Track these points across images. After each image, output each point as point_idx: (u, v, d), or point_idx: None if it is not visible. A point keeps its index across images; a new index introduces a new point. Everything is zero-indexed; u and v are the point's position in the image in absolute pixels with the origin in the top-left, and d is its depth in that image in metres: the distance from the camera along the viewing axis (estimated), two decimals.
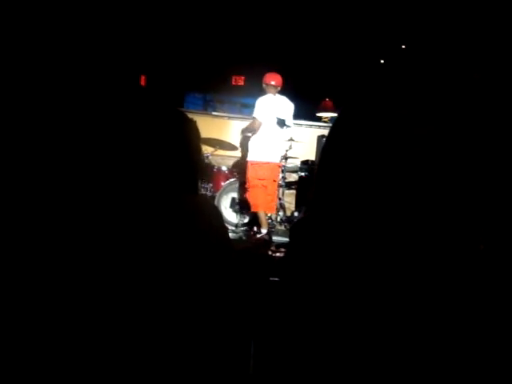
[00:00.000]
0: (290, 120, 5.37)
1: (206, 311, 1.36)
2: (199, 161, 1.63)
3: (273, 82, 5.39)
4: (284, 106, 5.39)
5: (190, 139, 1.54)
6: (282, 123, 5.21)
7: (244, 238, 5.08)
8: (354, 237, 1.24)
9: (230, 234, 5.05)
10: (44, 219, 1.37)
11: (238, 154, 6.06)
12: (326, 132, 6.51)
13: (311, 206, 1.38)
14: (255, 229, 5.22)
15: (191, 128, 1.58)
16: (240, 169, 5.61)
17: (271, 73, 5.55)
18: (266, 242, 4.27)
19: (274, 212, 5.31)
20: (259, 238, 4.94)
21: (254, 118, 5.12)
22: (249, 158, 5.13)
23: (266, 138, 5.10)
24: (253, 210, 5.08)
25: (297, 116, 8.32)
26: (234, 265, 1.43)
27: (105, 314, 1.30)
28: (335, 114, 7.53)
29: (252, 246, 4.42)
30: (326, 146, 1.37)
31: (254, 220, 5.25)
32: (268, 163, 5.10)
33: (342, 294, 1.20)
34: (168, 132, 1.51)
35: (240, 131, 5.19)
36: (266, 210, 5.12)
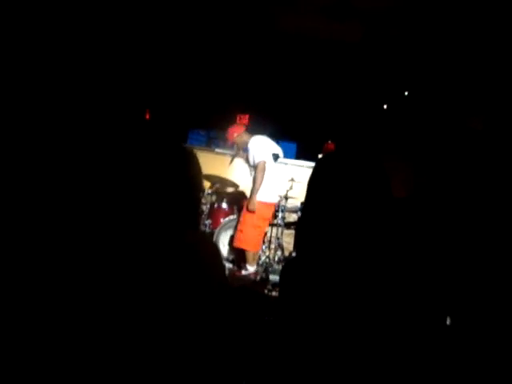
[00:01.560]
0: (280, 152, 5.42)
1: (199, 347, 1.33)
2: (200, 196, 1.62)
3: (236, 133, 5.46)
4: (271, 141, 5.45)
5: (191, 175, 1.54)
6: (276, 158, 5.25)
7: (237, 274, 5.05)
8: (337, 278, 1.24)
9: (226, 272, 5.01)
10: (53, 253, 1.36)
11: (238, 190, 6.06)
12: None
13: (297, 247, 1.38)
14: (242, 265, 5.20)
15: (193, 164, 1.58)
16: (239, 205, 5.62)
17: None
18: (263, 280, 4.23)
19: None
20: (247, 275, 4.93)
21: (259, 162, 5.09)
22: (258, 198, 5.10)
23: (271, 178, 5.11)
24: (244, 247, 5.06)
25: (298, 157, 8.39)
26: (229, 303, 1.40)
27: (102, 347, 1.27)
28: None
29: (249, 284, 4.38)
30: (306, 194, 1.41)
31: (240, 256, 5.26)
32: (274, 204, 5.16)
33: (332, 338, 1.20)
34: (170, 168, 1.51)
35: (257, 181, 5.12)
36: (257, 248, 5.12)
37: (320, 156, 7.54)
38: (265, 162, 5.06)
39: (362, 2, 5.86)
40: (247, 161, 5.31)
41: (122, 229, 1.43)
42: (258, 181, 5.06)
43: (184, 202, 1.49)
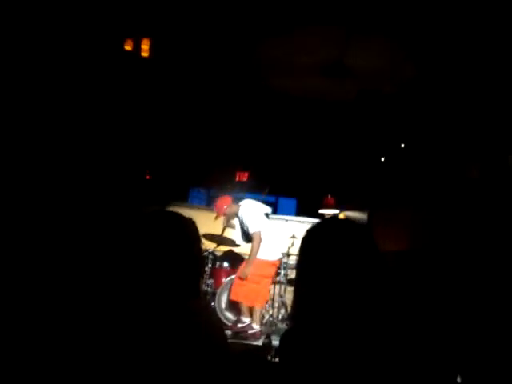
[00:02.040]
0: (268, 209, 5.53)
1: None
2: (202, 263, 1.63)
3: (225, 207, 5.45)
4: (257, 202, 5.59)
5: (191, 243, 1.55)
6: (267, 216, 5.38)
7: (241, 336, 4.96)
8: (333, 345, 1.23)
9: (229, 333, 4.93)
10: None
11: (239, 250, 6.04)
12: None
13: (293, 316, 1.37)
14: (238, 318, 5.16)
15: (192, 232, 1.59)
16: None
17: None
18: (265, 345, 4.16)
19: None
20: (251, 337, 4.89)
21: (255, 232, 5.17)
22: (259, 256, 5.12)
23: (269, 236, 5.14)
24: (238, 300, 5.04)
25: (298, 213, 8.42)
26: (229, 370, 1.39)
27: None
28: (337, 211, 7.59)
29: (252, 350, 4.30)
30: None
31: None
32: (275, 262, 5.20)
33: None
34: (170, 238, 1.52)
35: (253, 251, 5.16)
36: (252, 302, 5.08)
37: (320, 211, 7.57)
38: (260, 232, 5.13)
39: (355, 62, 6.02)
40: (240, 225, 5.41)
41: (127, 300, 1.44)
42: (254, 251, 5.12)
43: (186, 269, 1.49)
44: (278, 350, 1.32)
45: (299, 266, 1.40)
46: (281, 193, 8.91)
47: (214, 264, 5.59)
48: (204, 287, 5.36)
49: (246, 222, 5.20)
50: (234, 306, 5.27)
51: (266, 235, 5.10)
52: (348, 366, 1.22)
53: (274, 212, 8.93)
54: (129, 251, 1.48)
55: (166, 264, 1.46)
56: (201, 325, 1.42)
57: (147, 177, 7.52)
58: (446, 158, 5.85)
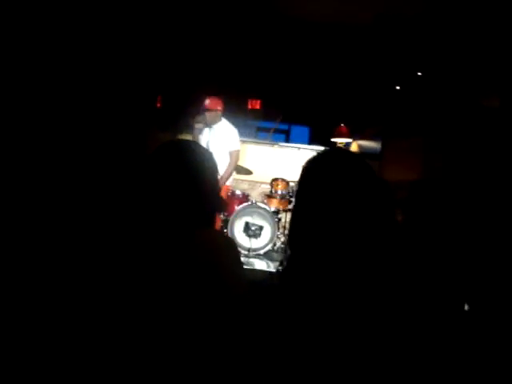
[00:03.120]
0: None
1: (213, 344, 1.36)
2: (211, 192, 1.61)
3: (219, 108, 5.43)
4: None
5: (197, 172, 1.54)
6: None
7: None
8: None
9: (243, 259, 5.05)
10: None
11: (252, 178, 6.07)
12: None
13: (292, 253, 1.38)
14: None
15: (201, 159, 1.57)
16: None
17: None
18: (279, 273, 4.25)
19: None
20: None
21: (235, 150, 5.38)
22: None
23: None
24: None
25: (311, 141, 8.36)
26: (244, 301, 1.42)
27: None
28: (350, 140, 7.53)
29: (263, 277, 4.40)
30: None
31: None
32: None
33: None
34: (172, 167, 1.51)
35: (231, 168, 5.36)
36: None
37: (333, 140, 7.52)
38: (239, 151, 5.39)
39: None
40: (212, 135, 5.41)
41: (127, 229, 1.46)
42: (231, 168, 5.39)
43: (188, 200, 1.48)
44: (278, 288, 1.33)
45: (297, 195, 1.38)
46: (294, 121, 8.82)
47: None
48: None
49: (230, 137, 5.35)
50: (247, 233, 5.38)
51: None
52: (350, 302, 1.22)
53: (287, 140, 8.90)
54: (136, 181, 1.49)
55: (173, 192, 1.46)
56: (211, 252, 1.43)
57: (158, 104, 7.46)
58: (464, 87, 5.71)
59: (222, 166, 5.19)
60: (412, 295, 1.33)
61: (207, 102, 5.32)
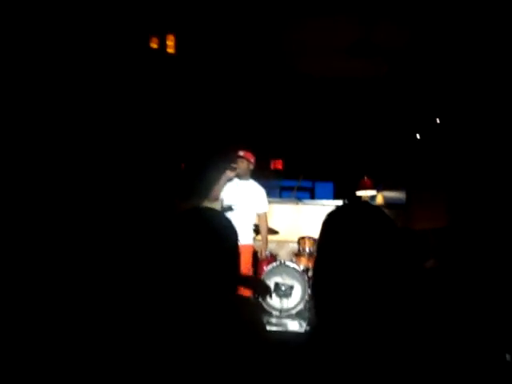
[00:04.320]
0: None
1: None
2: (232, 260, 1.63)
3: (252, 160, 5.33)
4: None
5: (222, 240, 1.56)
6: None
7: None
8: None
9: (274, 320, 4.98)
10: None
11: (279, 237, 6.06)
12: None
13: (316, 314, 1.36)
14: None
15: (223, 227, 1.60)
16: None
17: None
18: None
19: None
20: None
21: (266, 212, 5.39)
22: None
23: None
24: None
25: (336, 196, 8.37)
26: (267, 365, 1.40)
27: None
28: (374, 192, 7.51)
29: (291, 338, 4.31)
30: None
31: None
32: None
33: None
34: (195, 234, 1.54)
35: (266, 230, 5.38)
36: None
37: (358, 193, 7.51)
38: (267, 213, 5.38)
39: (383, 39, 5.93)
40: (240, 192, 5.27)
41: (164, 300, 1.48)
42: (265, 230, 5.41)
43: (219, 271, 1.51)
44: (304, 348, 1.31)
45: (318, 250, 1.37)
46: (317, 177, 8.88)
47: (255, 253, 5.62)
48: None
49: (259, 197, 5.29)
50: (278, 293, 5.32)
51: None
52: (379, 362, 1.19)
53: (312, 197, 8.93)
54: (160, 251, 1.51)
55: (197, 263, 1.48)
56: (240, 319, 1.44)
57: (182, 167, 7.59)
58: (483, 131, 5.70)
59: (247, 224, 5.17)
60: (451, 345, 1.30)
61: (241, 152, 5.23)
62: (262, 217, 5.35)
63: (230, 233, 1.61)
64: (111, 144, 4.98)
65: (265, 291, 4.83)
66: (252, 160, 5.25)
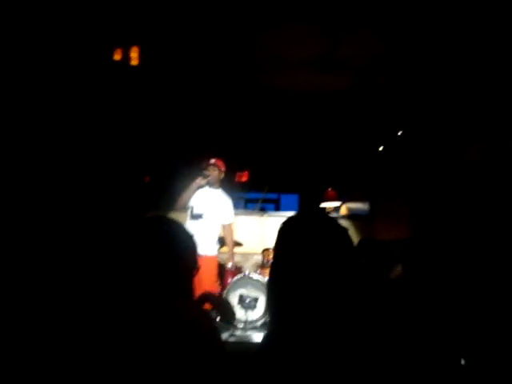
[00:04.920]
0: None
1: None
2: (188, 269, 1.64)
3: (223, 169, 5.32)
4: None
5: (175, 247, 1.58)
6: None
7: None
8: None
9: (239, 332, 4.94)
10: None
11: (244, 249, 6.06)
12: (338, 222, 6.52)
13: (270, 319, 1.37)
14: None
15: (176, 236, 1.62)
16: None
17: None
18: None
19: None
20: None
21: (232, 223, 5.31)
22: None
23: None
24: None
25: (302, 208, 8.40)
26: (219, 371, 1.40)
27: None
28: (338, 203, 7.59)
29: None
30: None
31: None
32: None
33: None
34: (153, 242, 1.56)
35: (231, 239, 5.32)
36: None
37: (322, 205, 7.57)
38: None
39: (346, 53, 6.01)
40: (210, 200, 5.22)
41: (115, 301, 1.49)
42: (232, 241, 5.34)
43: (170, 275, 1.52)
44: (257, 354, 1.31)
45: (273, 258, 1.39)
46: (283, 190, 8.92)
47: (219, 266, 5.59)
48: (218, 287, 5.41)
49: (227, 207, 5.22)
50: (242, 305, 5.29)
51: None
52: (337, 364, 1.20)
53: (277, 209, 8.95)
54: (117, 255, 1.54)
55: (150, 267, 1.51)
56: (187, 323, 1.45)
57: (146, 179, 7.53)
58: (444, 142, 5.82)
59: (213, 235, 5.12)
60: (408, 348, 1.32)
61: (212, 160, 5.18)
62: (228, 228, 5.30)
63: (183, 242, 1.64)
64: (72, 157, 4.92)
65: (228, 315, 4.78)
66: (223, 168, 5.23)
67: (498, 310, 2.77)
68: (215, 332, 1.53)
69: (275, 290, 1.36)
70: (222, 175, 5.26)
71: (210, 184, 5.14)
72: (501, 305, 2.83)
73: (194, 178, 5.08)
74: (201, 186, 5.10)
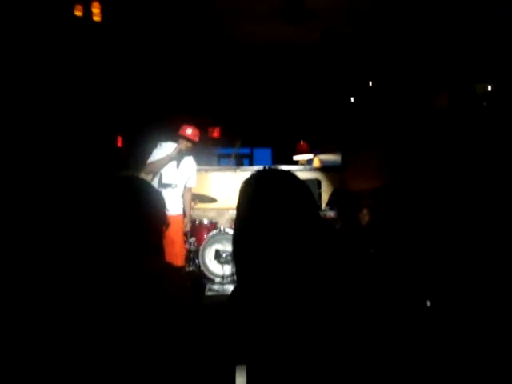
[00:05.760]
0: None
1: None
2: (157, 226, 1.66)
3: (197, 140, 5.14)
4: None
5: (141, 205, 1.59)
6: None
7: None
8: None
9: (216, 287, 5.03)
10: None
11: (218, 205, 6.07)
12: (303, 175, 6.61)
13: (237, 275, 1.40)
14: None
15: (144, 193, 1.63)
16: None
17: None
18: None
19: None
20: None
21: (192, 187, 5.26)
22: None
23: None
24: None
25: (275, 161, 8.43)
26: (190, 327, 1.43)
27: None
28: (311, 156, 7.62)
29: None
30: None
31: None
32: None
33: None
34: (121, 201, 1.57)
35: (189, 203, 5.29)
36: None
37: (295, 158, 7.59)
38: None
39: (314, 3, 5.92)
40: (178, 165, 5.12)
41: (76, 256, 1.51)
42: (190, 203, 5.28)
43: (137, 233, 1.54)
44: (225, 310, 1.34)
45: (237, 213, 1.41)
46: (255, 144, 8.90)
47: (194, 222, 5.62)
48: (187, 245, 5.42)
49: (192, 173, 5.18)
50: (219, 260, 5.34)
51: None
52: (302, 313, 1.23)
53: (250, 163, 8.95)
54: (86, 215, 1.55)
55: (117, 224, 1.53)
56: (154, 278, 1.47)
57: (119, 143, 7.46)
58: (412, 91, 5.84)
59: (179, 198, 5.10)
60: (374, 292, 1.35)
61: (189, 132, 4.97)
62: (188, 191, 5.21)
63: (152, 200, 1.65)
64: (40, 118, 4.82)
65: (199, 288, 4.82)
66: (197, 139, 5.07)
67: (463, 253, 2.85)
68: (183, 286, 1.55)
69: (240, 245, 1.39)
70: (194, 143, 5.08)
71: (181, 155, 5.04)
72: (465, 249, 2.92)
73: (165, 141, 5.01)
74: (173, 159, 4.99)
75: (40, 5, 4.74)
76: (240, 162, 7.57)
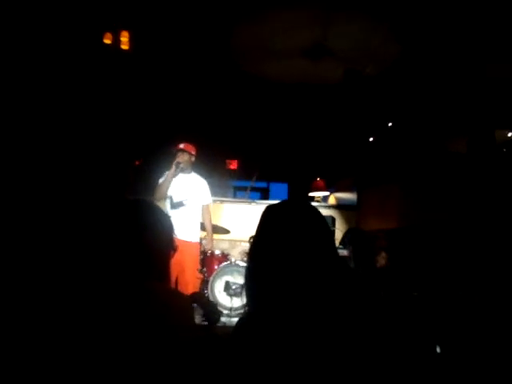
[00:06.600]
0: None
1: None
2: (164, 251, 1.65)
3: (193, 152, 5.17)
4: None
5: (150, 231, 1.59)
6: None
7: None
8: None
9: (224, 319, 4.97)
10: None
11: (231, 237, 6.07)
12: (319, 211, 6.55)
13: (248, 303, 1.39)
14: None
15: (152, 219, 1.62)
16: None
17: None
18: None
19: None
20: None
21: (210, 204, 5.26)
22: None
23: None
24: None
25: (292, 197, 8.40)
26: (189, 353, 1.41)
27: None
28: (327, 193, 7.62)
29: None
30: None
31: None
32: None
33: None
34: (127, 226, 1.57)
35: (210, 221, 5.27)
36: None
37: (311, 194, 7.60)
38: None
39: (337, 43, 6.00)
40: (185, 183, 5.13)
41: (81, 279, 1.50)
42: (210, 222, 5.26)
43: (140, 256, 1.53)
44: (232, 338, 1.32)
45: (254, 243, 1.41)
46: (272, 178, 8.94)
47: (205, 253, 5.60)
48: (199, 275, 5.40)
49: (204, 188, 5.18)
50: (228, 292, 5.31)
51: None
52: (313, 350, 1.21)
53: (267, 197, 8.96)
54: (94, 237, 1.55)
55: (117, 247, 1.53)
56: (157, 303, 1.45)
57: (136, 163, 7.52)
58: (432, 134, 5.86)
59: (195, 220, 5.09)
60: (384, 336, 1.33)
61: (181, 145, 5.06)
62: (206, 209, 5.21)
63: (158, 222, 1.64)
64: (62, 141, 4.90)
65: (212, 316, 4.72)
66: (193, 152, 5.12)
67: (475, 300, 2.81)
68: (187, 313, 1.54)
69: (253, 273, 1.38)
70: (193, 158, 5.13)
71: (182, 170, 5.05)
72: (478, 295, 2.88)
73: (168, 167, 5.04)
74: (175, 175, 5.01)
75: (72, 32, 4.88)
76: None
